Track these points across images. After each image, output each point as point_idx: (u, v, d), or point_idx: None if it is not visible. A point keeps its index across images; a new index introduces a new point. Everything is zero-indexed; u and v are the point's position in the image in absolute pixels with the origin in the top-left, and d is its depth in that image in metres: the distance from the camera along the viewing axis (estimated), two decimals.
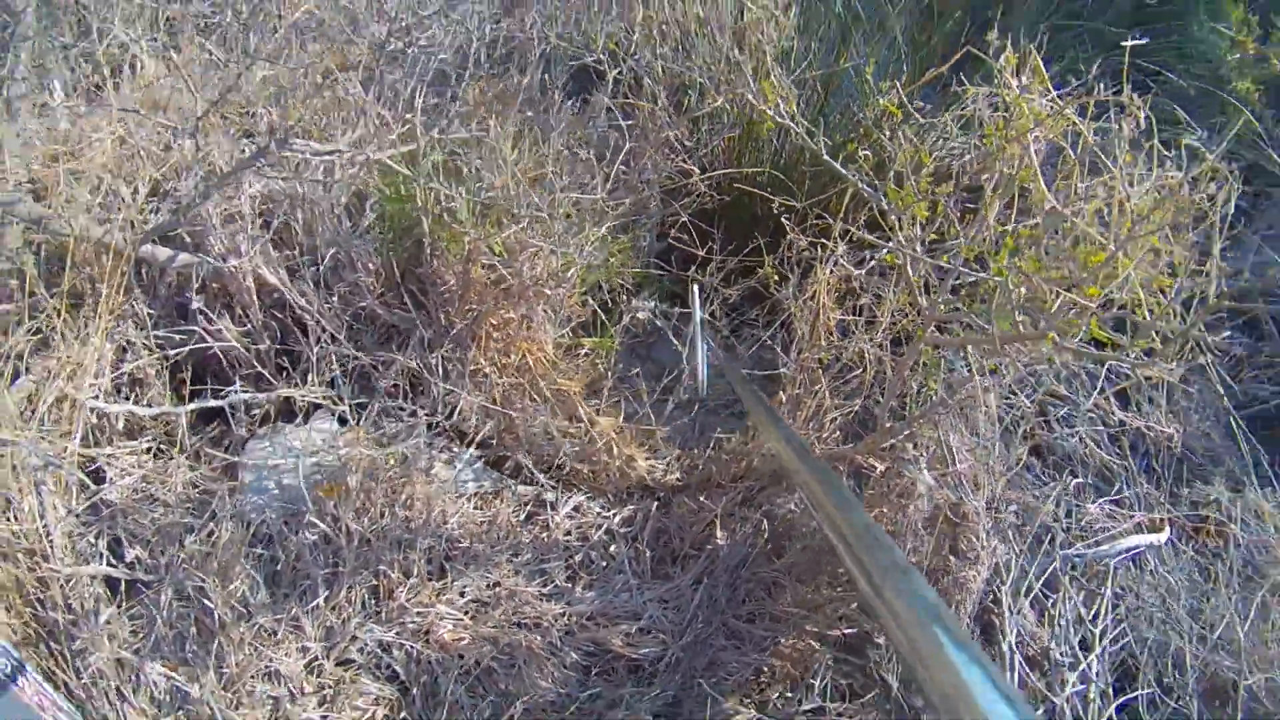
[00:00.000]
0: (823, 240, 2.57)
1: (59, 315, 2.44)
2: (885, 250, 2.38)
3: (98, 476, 2.43)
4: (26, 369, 2.41)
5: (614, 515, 2.63)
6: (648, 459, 2.66)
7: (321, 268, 2.66)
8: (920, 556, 2.34)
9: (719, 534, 2.55)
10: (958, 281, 2.10)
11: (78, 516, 2.32)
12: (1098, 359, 1.99)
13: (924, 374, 2.61)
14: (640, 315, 2.96)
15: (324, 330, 2.59)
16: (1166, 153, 1.79)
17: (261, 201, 2.69)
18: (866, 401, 2.58)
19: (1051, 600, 2.34)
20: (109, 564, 2.29)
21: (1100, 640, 2.26)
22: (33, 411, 2.33)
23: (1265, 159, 3.18)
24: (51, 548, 2.21)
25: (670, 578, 2.52)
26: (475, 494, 2.56)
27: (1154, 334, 1.66)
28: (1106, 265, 1.70)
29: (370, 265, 2.66)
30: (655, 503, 2.67)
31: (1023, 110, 1.90)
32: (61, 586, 2.19)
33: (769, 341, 2.80)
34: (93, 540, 2.33)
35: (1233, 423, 2.84)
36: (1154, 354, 1.67)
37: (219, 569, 2.23)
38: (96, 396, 2.46)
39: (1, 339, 2.38)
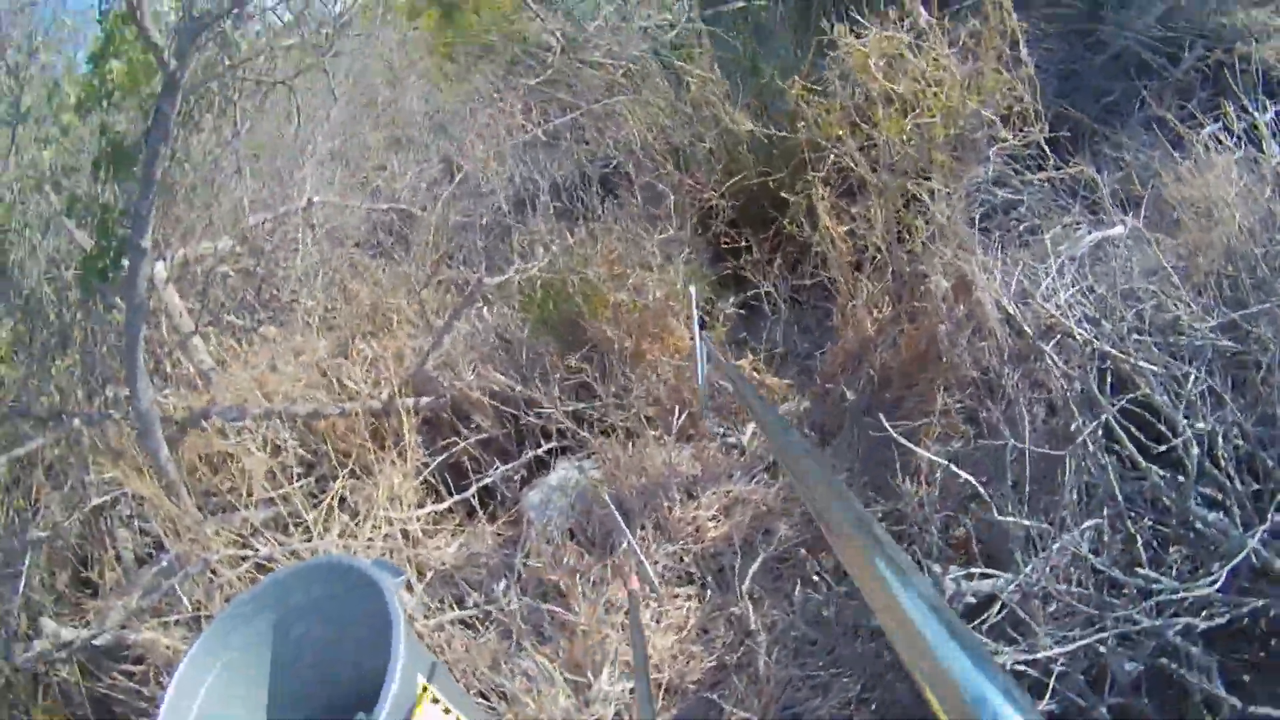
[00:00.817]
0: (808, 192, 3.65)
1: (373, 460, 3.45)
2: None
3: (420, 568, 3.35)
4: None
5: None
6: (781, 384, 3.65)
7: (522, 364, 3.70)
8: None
9: (847, 394, 3.48)
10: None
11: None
12: None
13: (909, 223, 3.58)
14: (729, 311, 3.97)
15: (535, 407, 3.60)
16: None
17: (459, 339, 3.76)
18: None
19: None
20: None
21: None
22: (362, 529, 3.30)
23: None
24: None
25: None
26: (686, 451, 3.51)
27: None
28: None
29: (551, 349, 3.69)
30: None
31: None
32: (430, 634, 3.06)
33: (813, 275, 3.79)
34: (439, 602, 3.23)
35: None
36: None
37: (552, 555, 3.15)
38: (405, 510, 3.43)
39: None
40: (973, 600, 2.52)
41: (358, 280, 4.19)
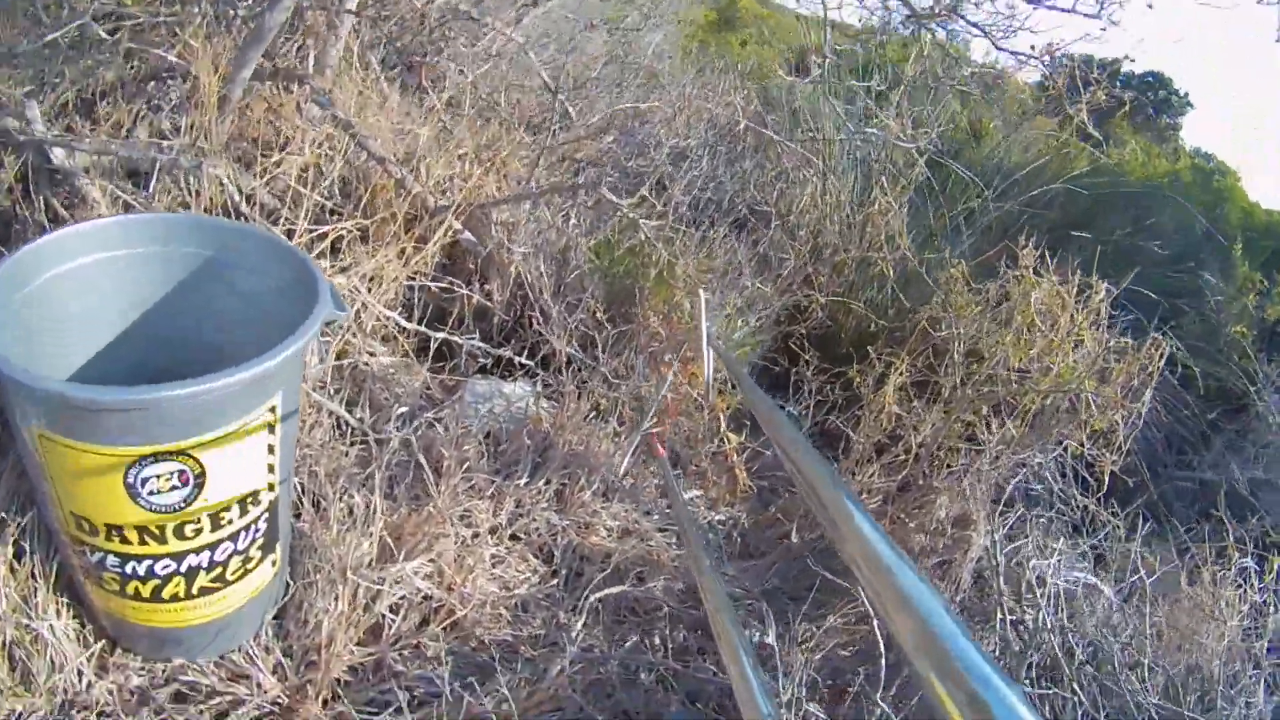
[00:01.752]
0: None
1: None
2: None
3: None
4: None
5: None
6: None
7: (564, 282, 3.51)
8: None
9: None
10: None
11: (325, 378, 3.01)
12: None
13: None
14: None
15: (548, 321, 3.41)
16: None
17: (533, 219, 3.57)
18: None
19: None
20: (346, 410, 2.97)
21: None
22: None
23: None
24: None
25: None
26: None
27: None
28: None
29: (597, 293, 3.50)
30: None
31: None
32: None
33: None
34: (334, 391, 2.99)
35: None
36: None
37: (453, 437, 2.92)
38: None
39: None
40: None
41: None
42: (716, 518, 3.35)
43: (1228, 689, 2.67)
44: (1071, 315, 3.24)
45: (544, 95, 4.41)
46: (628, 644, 2.70)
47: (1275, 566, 3.11)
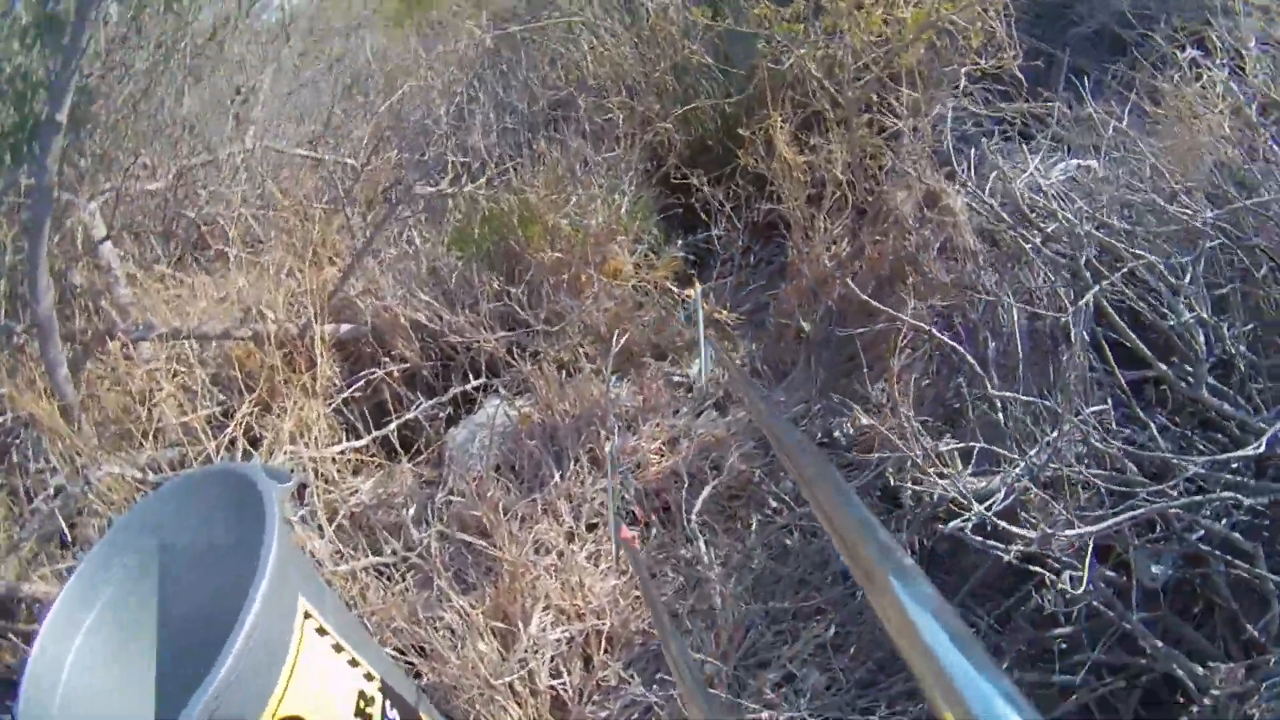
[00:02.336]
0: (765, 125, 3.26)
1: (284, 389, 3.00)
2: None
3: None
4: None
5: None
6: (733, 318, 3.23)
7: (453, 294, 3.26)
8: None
9: (804, 327, 3.07)
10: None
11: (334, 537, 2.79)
12: None
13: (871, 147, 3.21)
14: (677, 254, 3.54)
15: (465, 340, 3.16)
16: None
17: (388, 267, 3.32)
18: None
19: None
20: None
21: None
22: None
23: None
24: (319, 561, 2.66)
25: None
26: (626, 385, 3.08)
27: None
28: None
29: (485, 277, 3.25)
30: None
31: None
32: (343, 582, 2.64)
33: (768, 213, 3.37)
34: (353, 550, 2.79)
35: None
36: None
37: (475, 488, 2.70)
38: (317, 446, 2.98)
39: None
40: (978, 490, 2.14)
41: (291, 215, 3.74)
42: None
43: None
44: None
45: (317, 167, 4.13)
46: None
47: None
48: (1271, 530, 2.04)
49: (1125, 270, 2.26)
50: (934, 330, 2.45)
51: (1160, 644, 1.92)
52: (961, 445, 2.28)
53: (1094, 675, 2.01)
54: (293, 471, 2.77)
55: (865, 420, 2.60)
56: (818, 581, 2.43)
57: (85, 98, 3.81)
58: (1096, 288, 2.21)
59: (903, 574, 0.67)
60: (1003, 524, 1.98)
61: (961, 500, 2.06)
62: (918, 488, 2.29)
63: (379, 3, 6.27)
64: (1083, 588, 1.86)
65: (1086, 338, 2.23)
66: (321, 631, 1.74)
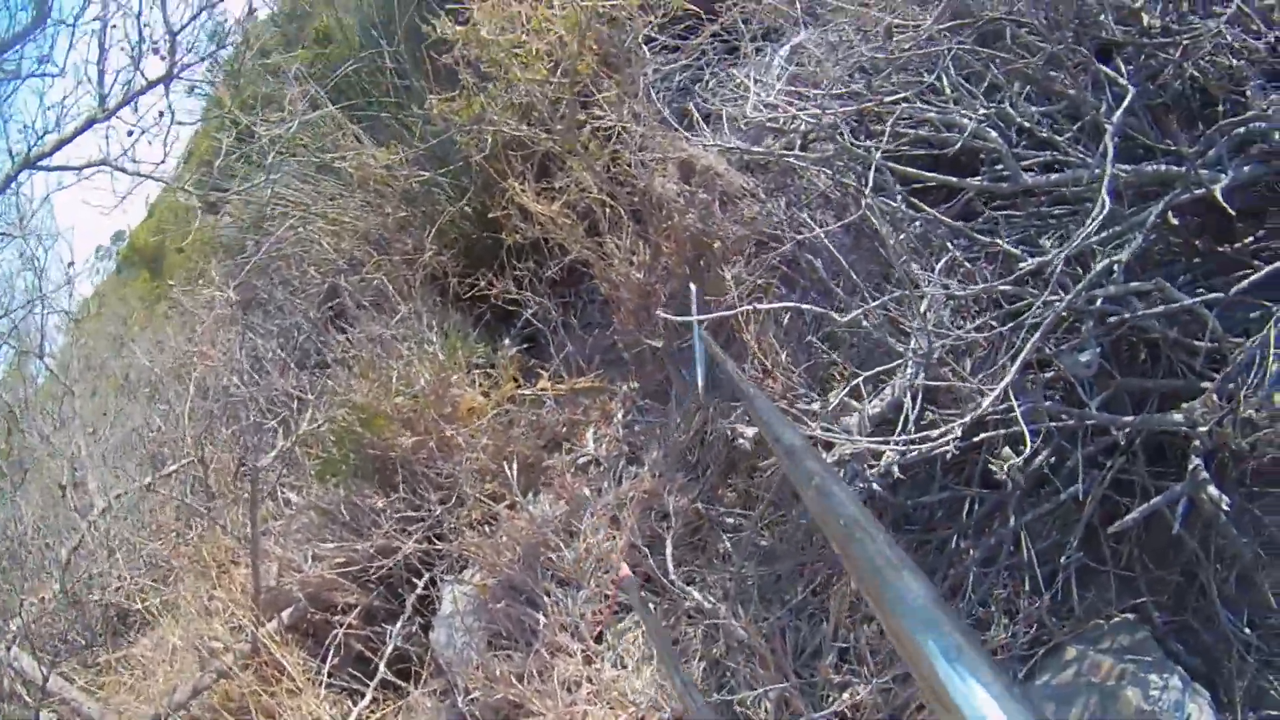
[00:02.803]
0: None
1: None
2: None
3: None
4: None
5: (618, 416, 3.16)
6: (595, 378, 3.22)
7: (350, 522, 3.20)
8: None
9: (651, 343, 3.06)
10: None
11: None
12: None
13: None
14: (512, 353, 3.49)
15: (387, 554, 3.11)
16: None
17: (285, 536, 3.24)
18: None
19: None
20: None
21: None
22: None
23: None
24: None
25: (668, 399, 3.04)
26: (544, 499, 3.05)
27: None
28: None
29: (366, 493, 3.20)
30: None
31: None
32: None
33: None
34: None
35: None
36: None
37: (484, 678, 2.66)
38: None
39: None
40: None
41: (173, 552, 3.65)
42: None
43: None
44: None
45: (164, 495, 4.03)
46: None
47: None
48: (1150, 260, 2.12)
49: (892, 120, 2.29)
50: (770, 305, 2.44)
51: (1132, 416, 1.96)
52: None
53: (1092, 470, 2.02)
54: None
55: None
56: (811, 556, 2.41)
57: None
58: (878, 154, 2.22)
59: (895, 571, 0.68)
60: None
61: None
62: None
63: (125, 304, 6.15)
64: (1028, 446, 1.84)
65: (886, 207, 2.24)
66: None
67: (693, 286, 2.81)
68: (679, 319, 2.65)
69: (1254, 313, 1.93)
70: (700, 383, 2.73)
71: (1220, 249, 2.10)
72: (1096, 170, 1.96)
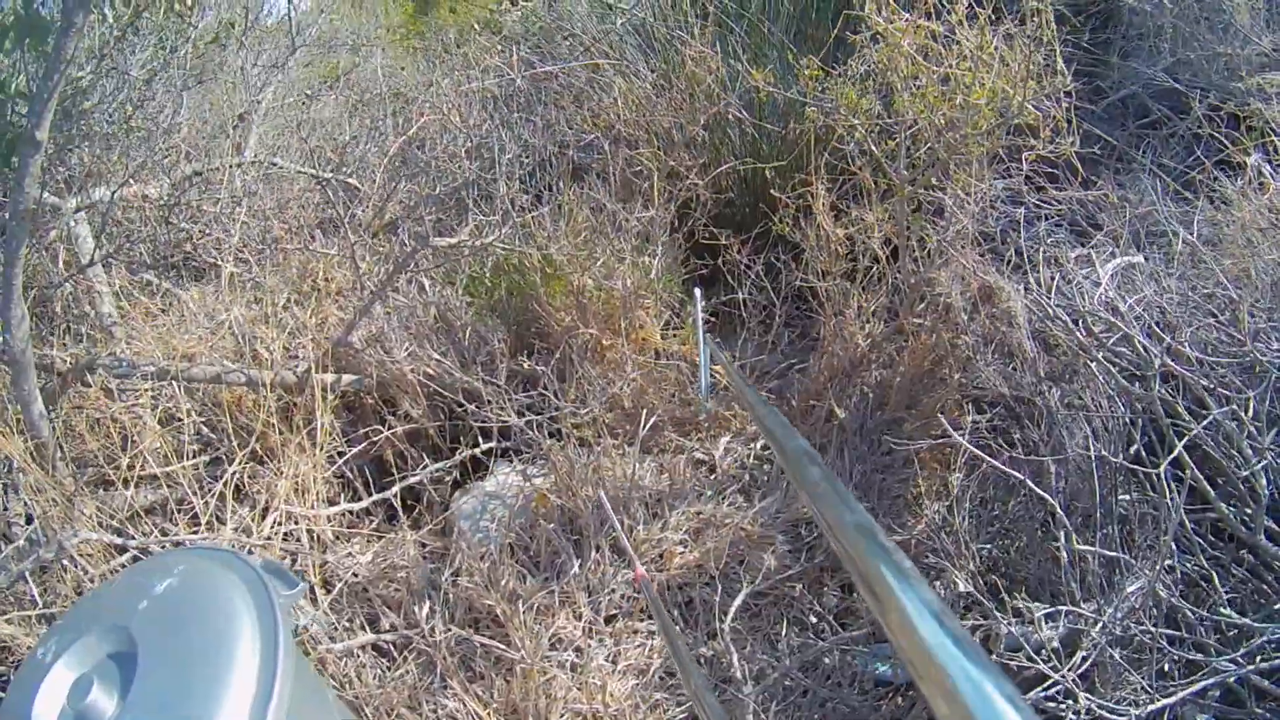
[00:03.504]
0: (807, 190, 2.97)
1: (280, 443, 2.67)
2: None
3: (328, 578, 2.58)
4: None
5: (757, 444, 2.88)
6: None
7: (465, 349, 2.93)
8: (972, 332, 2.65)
9: (837, 411, 2.79)
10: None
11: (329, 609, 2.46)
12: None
13: (917, 230, 2.92)
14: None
15: (476, 399, 2.84)
16: None
17: (394, 312, 2.99)
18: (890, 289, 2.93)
19: None
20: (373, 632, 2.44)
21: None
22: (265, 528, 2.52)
23: None
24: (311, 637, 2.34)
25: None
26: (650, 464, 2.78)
27: None
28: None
29: (500, 334, 2.93)
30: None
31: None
32: (336, 661, 2.31)
33: (803, 281, 3.06)
34: (348, 622, 2.46)
35: None
36: None
37: (487, 575, 2.40)
38: (313, 507, 2.64)
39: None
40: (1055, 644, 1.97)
41: (291, 242, 3.40)
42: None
43: None
44: (949, 36, 2.67)
45: (319, 191, 3.79)
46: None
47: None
48: None
49: (1207, 418, 2.05)
50: (1004, 468, 2.17)
51: None
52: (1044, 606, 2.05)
53: None
54: (295, 563, 2.46)
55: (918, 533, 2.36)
56: (847, 698, 2.18)
57: (76, 98, 3.45)
58: (1181, 443, 1.98)
59: (903, 577, 0.65)
60: (1086, 697, 1.75)
61: (1033, 655, 1.83)
62: (978, 622, 2.06)
63: (387, 16, 5.91)
64: None
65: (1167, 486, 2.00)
66: None
67: (697, 291, 2.61)
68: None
69: None
70: (704, 394, 2.66)
71: None
72: None
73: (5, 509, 2.74)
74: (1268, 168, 2.84)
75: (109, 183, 3.49)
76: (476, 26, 4.91)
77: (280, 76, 4.45)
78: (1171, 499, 1.95)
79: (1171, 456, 2.00)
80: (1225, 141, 3.19)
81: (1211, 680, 1.79)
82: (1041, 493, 2.04)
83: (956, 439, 2.21)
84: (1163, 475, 1.99)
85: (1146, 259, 2.73)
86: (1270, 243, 2.55)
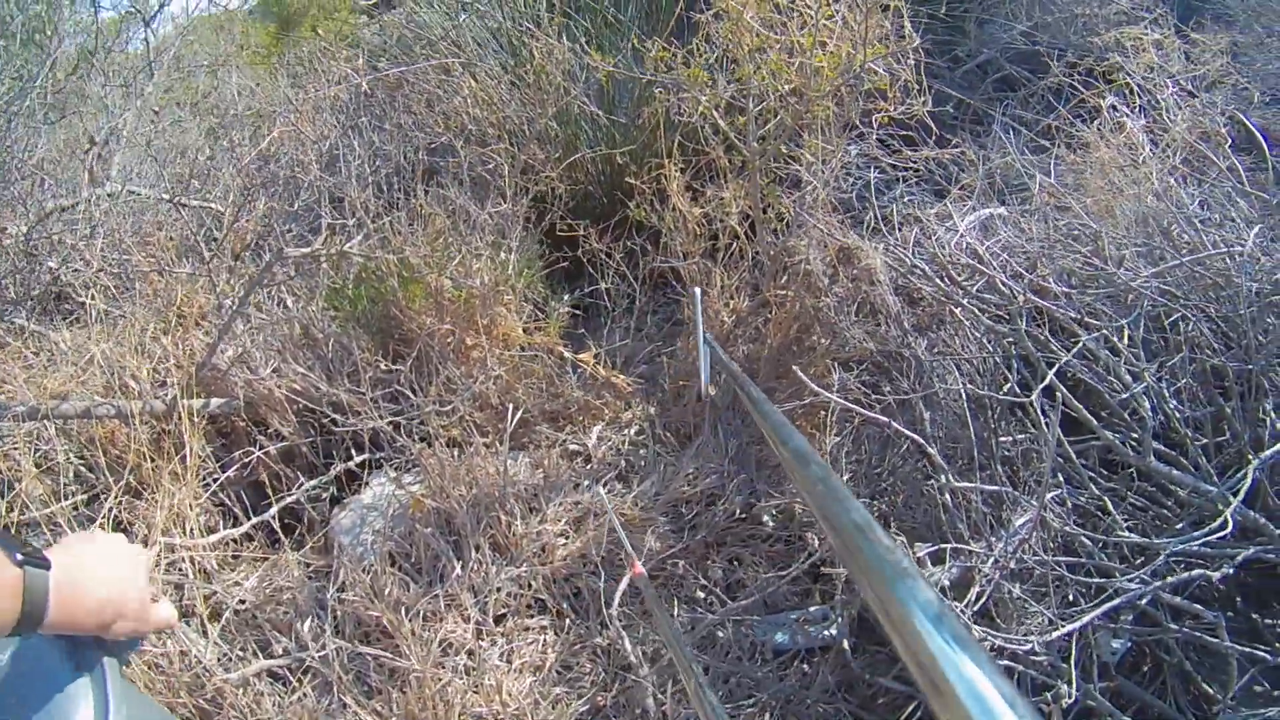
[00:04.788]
0: (661, 172, 2.90)
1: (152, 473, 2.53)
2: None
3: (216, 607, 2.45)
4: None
5: (630, 430, 2.82)
6: (628, 382, 2.88)
7: (329, 361, 2.81)
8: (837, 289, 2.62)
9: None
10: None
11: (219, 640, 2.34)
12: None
13: (774, 202, 2.89)
14: (563, 309, 3.17)
15: (344, 411, 2.73)
16: None
17: (257, 331, 2.85)
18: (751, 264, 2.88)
19: None
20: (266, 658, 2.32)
21: None
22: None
23: None
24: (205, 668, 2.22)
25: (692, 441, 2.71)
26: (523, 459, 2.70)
27: None
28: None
29: (361, 344, 2.82)
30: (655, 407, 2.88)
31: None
32: (234, 692, 2.18)
33: (662, 266, 3.01)
34: (241, 651, 2.33)
35: None
36: None
37: (370, 587, 2.30)
38: (192, 535, 2.51)
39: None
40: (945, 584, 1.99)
41: (153, 273, 3.22)
42: None
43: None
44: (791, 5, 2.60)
45: (180, 215, 3.59)
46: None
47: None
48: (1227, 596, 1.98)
49: (1077, 346, 2.03)
50: (874, 416, 2.14)
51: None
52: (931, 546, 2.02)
53: None
54: (181, 594, 2.33)
55: (799, 507, 2.33)
56: (749, 671, 2.14)
57: None
58: (1051, 372, 1.96)
59: (901, 575, 0.64)
60: (983, 630, 1.74)
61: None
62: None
63: (245, 38, 5.68)
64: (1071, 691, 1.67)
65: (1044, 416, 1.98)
66: None
67: (696, 290, 2.56)
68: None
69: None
70: (705, 385, 2.52)
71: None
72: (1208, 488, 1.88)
73: None
74: (1126, 109, 2.87)
75: None
76: (332, 40, 4.73)
77: (139, 102, 4.22)
78: (1049, 427, 1.94)
79: (1043, 386, 1.97)
80: (1082, 90, 3.21)
81: (1119, 601, 1.77)
82: (909, 433, 2.00)
83: (825, 395, 2.18)
84: (1039, 407, 1.98)
85: (1007, 209, 2.74)
86: (1129, 179, 2.57)
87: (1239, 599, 2.00)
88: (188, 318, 3.02)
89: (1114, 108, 2.74)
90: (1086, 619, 1.71)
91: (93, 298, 3.23)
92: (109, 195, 3.66)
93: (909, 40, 2.56)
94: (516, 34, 3.46)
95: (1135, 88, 2.89)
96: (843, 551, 0.75)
